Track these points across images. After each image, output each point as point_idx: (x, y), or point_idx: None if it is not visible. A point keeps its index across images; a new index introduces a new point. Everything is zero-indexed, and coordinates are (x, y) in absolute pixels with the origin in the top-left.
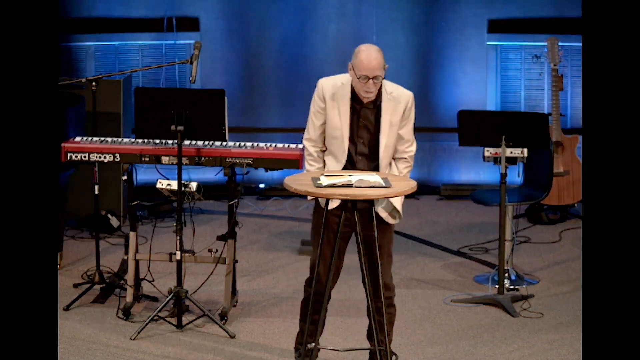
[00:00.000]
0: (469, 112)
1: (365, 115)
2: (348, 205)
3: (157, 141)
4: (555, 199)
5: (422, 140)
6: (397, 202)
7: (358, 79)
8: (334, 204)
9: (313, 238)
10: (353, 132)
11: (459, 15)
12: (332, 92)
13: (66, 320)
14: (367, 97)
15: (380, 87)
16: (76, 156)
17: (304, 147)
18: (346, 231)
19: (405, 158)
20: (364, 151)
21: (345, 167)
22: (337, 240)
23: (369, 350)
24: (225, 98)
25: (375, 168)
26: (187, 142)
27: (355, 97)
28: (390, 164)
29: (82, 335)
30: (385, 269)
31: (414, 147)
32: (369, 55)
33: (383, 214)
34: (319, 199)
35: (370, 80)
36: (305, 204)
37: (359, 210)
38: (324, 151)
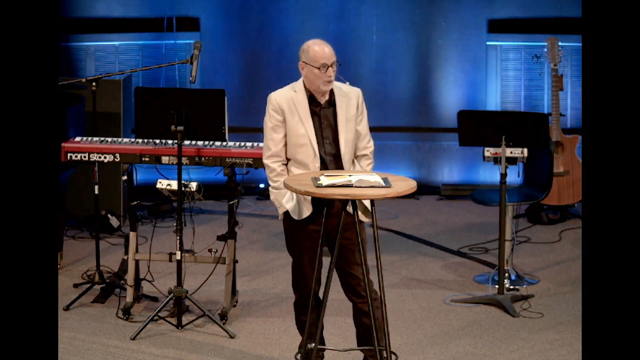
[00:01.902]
0: (469, 112)
1: (325, 115)
2: (333, 211)
3: (157, 141)
4: (555, 199)
5: (422, 140)
6: (367, 202)
7: (318, 69)
8: (307, 213)
9: (292, 249)
10: (318, 134)
11: (459, 15)
12: (287, 102)
13: (66, 320)
14: (328, 88)
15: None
16: (76, 156)
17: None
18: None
19: (366, 155)
20: (332, 151)
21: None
22: (317, 244)
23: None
24: (225, 98)
25: (342, 165)
26: (187, 142)
27: (312, 101)
28: (353, 161)
29: (82, 335)
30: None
31: (372, 143)
32: (320, 44)
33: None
34: (290, 212)
35: (330, 68)
36: None
37: (335, 214)
38: (285, 164)
